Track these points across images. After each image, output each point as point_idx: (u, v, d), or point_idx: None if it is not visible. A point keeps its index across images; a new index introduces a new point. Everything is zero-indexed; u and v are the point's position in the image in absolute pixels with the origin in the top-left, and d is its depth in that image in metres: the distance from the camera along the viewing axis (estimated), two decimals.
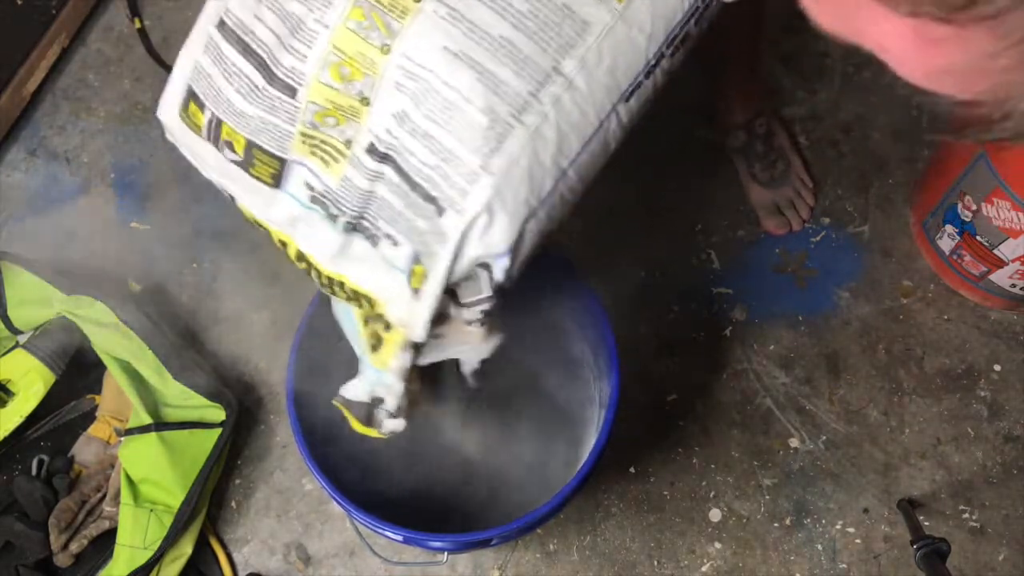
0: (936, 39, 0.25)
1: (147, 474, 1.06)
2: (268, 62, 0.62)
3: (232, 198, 0.70)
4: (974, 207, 1.08)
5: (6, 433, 1.11)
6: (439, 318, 0.66)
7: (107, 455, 1.14)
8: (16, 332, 1.17)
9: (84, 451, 1.14)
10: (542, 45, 0.60)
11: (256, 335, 1.25)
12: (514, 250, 0.62)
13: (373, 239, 0.65)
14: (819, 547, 1.10)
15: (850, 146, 1.32)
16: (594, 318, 0.95)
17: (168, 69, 1.54)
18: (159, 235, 1.32)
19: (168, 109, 0.68)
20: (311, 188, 0.65)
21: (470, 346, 0.71)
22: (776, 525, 1.11)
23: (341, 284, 0.68)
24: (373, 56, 0.60)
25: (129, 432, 1.09)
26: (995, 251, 1.09)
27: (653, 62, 0.63)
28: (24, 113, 1.40)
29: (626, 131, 0.66)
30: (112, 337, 1.12)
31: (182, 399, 1.12)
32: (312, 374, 0.94)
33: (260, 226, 0.70)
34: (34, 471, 1.13)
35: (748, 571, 1.09)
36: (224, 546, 1.13)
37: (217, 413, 1.12)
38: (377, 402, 0.76)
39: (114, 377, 1.12)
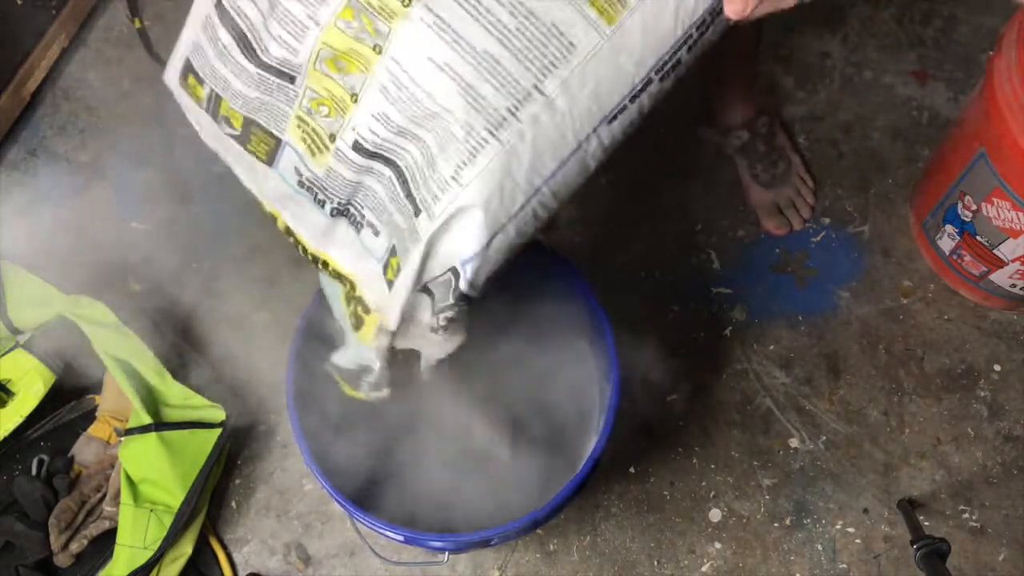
0: None
1: (147, 474, 1.06)
2: (256, 50, 0.63)
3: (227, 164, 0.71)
4: (974, 207, 1.08)
5: (6, 433, 1.11)
6: (406, 315, 0.66)
7: (107, 455, 1.14)
8: (16, 332, 1.17)
9: (84, 451, 1.14)
10: (526, 63, 0.60)
11: (256, 335, 1.25)
12: (479, 261, 0.62)
13: (357, 226, 0.66)
14: (819, 547, 1.10)
15: (850, 146, 1.32)
16: (594, 318, 0.95)
17: None
18: (159, 235, 1.32)
19: (172, 76, 0.70)
20: (299, 174, 0.66)
21: (432, 344, 0.71)
22: (776, 525, 1.11)
23: (325, 264, 0.69)
24: (367, 55, 0.61)
25: (129, 432, 1.09)
26: (995, 251, 1.09)
27: (640, 87, 0.63)
28: (24, 113, 1.40)
29: (608, 152, 0.66)
30: (112, 337, 1.12)
31: (182, 399, 1.12)
32: (312, 374, 0.94)
33: (252, 195, 0.71)
34: (34, 471, 1.13)
35: (748, 571, 1.09)
36: (224, 546, 1.13)
37: (217, 413, 1.12)
38: (364, 371, 0.76)
39: (114, 377, 1.12)
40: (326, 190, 0.66)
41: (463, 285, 0.63)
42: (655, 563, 1.10)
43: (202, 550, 1.12)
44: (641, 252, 1.26)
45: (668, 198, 1.30)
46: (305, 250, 0.70)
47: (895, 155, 1.31)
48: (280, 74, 0.63)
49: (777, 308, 1.23)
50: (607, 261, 1.25)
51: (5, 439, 1.12)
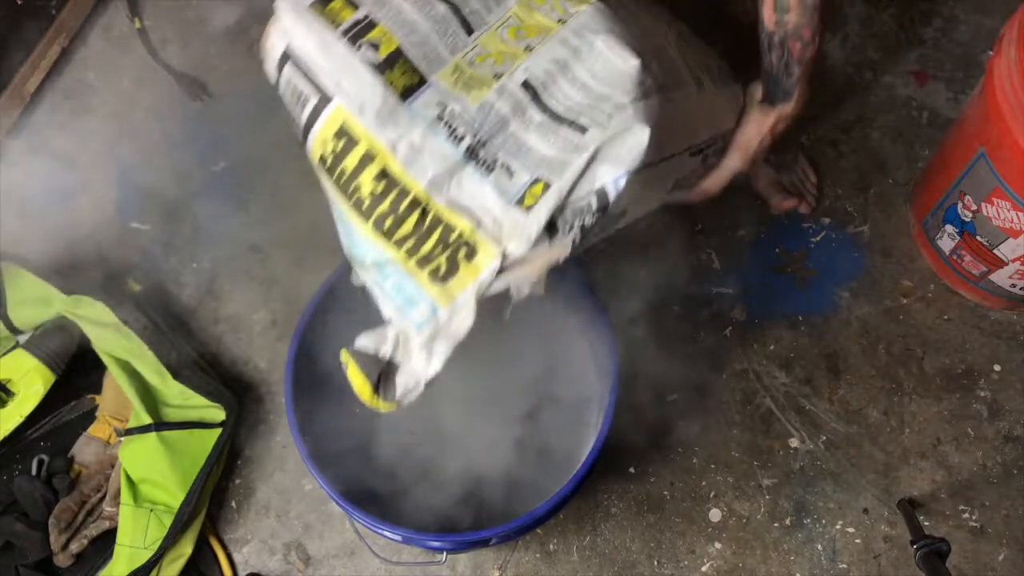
0: None
1: (147, 474, 1.06)
2: (460, 12, 0.69)
3: (328, 100, 0.68)
4: (974, 207, 1.08)
5: (6, 433, 1.11)
6: (539, 236, 0.68)
7: (107, 455, 1.14)
8: (16, 332, 1.17)
9: (84, 451, 1.14)
10: (690, 65, 0.76)
11: (256, 335, 1.25)
12: (621, 186, 0.67)
13: (488, 167, 0.67)
14: (819, 547, 1.10)
15: (850, 146, 1.32)
16: (594, 318, 0.95)
17: (168, 69, 1.54)
18: (159, 235, 1.32)
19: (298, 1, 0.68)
20: (441, 107, 0.67)
21: (527, 277, 0.71)
22: (776, 525, 1.11)
23: (423, 208, 0.68)
24: (549, 25, 0.70)
25: (129, 432, 1.09)
26: (995, 251, 1.09)
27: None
28: (24, 113, 1.40)
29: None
30: (112, 337, 1.12)
31: (182, 399, 1.12)
32: (312, 374, 0.95)
33: (347, 134, 0.68)
34: (34, 471, 1.13)
35: (748, 571, 1.09)
36: (224, 546, 1.13)
37: (217, 413, 1.12)
38: (391, 367, 0.73)
39: (114, 377, 1.12)
40: (471, 124, 0.67)
41: (611, 194, 0.67)
42: (655, 563, 1.10)
43: (202, 550, 1.12)
44: (641, 252, 1.26)
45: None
46: (405, 194, 0.68)
47: (895, 155, 1.31)
48: (463, 23, 0.68)
49: (777, 308, 1.23)
50: (607, 261, 1.25)
51: (5, 439, 1.12)
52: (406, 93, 0.67)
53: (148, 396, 1.12)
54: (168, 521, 1.05)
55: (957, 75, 1.36)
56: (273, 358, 1.23)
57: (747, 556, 1.10)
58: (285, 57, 0.68)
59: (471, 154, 0.67)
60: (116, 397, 1.15)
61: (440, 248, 0.68)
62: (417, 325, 0.71)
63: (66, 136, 1.39)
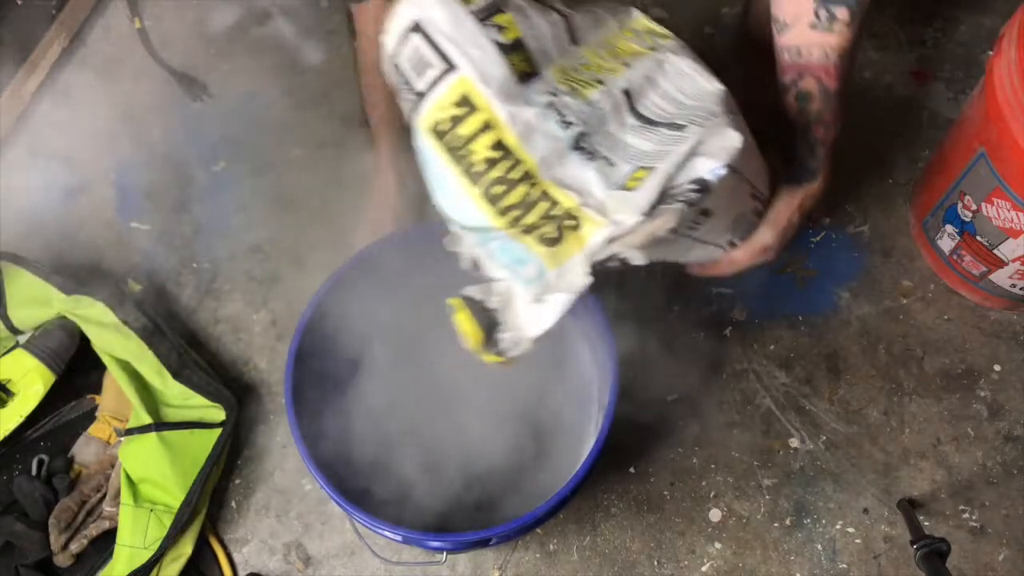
0: None
1: (147, 474, 1.06)
2: (569, 23, 0.75)
3: (453, 69, 0.70)
4: (974, 207, 1.08)
5: (6, 433, 1.11)
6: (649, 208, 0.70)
7: (107, 455, 1.14)
8: (16, 332, 1.17)
9: (84, 451, 1.14)
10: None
11: (256, 335, 1.25)
12: (721, 174, 0.71)
13: (591, 156, 0.70)
14: (819, 547, 1.10)
15: (850, 146, 1.32)
16: (594, 318, 0.95)
17: (168, 69, 1.54)
18: (159, 235, 1.32)
19: None
20: (552, 96, 0.71)
21: (632, 244, 0.73)
22: (776, 525, 1.11)
23: (533, 181, 0.70)
24: (640, 51, 0.78)
25: (129, 432, 1.09)
26: (995, 251, 1.09)
27: None
28: (24, 113, 1.40)
29: None
30: (112, 337, 1.12)
31: (182, 399, 1.12)
32: (312, 374, 0.95)
33: (468, 103, 0.70)
34: (34, 471, 1.13)
35: (748, 571, 1.09)
36: (224, 546, 1.13)
37: (217, 413, 1.12)
38: (497, 319, 0.76)
39: (114, 377, 1.12)
40: (579, 115, 0.71)
41: (712, 180, 0.70)
42: (655, 563, 1.10)
43: (202, 550, 1.12)
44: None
45: None
46: (516, 165, 0.70)
47: (895, 155, 1.31)
48: (571, 33, 0.74)
49: (777, 308, 1.23)
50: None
51: (5, 439, 1.12)
52: (523, 78, 0.70)
53: (148, 396, 1.12)
54: (168, 521, 1.05)
55: (957, 75, 1.36)
56: (273, 358, 1.23)
57: (747, 556, 1.10)
58: (414, 27, 0.70)
59: (577, 141, 0.70)
60: (116, 397, 1.15)
61: (546, 220, 0.71)
62: (526, 281, 0.74)
63: (66, 136, 1.39)
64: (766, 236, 0.88)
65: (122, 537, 1.05)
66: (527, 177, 0.70)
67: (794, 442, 1.15)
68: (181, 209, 1.33)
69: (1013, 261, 1.08)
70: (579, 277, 0.72)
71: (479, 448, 1.06)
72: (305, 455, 0.88)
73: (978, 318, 1.21)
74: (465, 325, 0.76)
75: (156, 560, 1.04)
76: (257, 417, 1.20)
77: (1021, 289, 1.13)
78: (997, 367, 1.18)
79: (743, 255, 0.89)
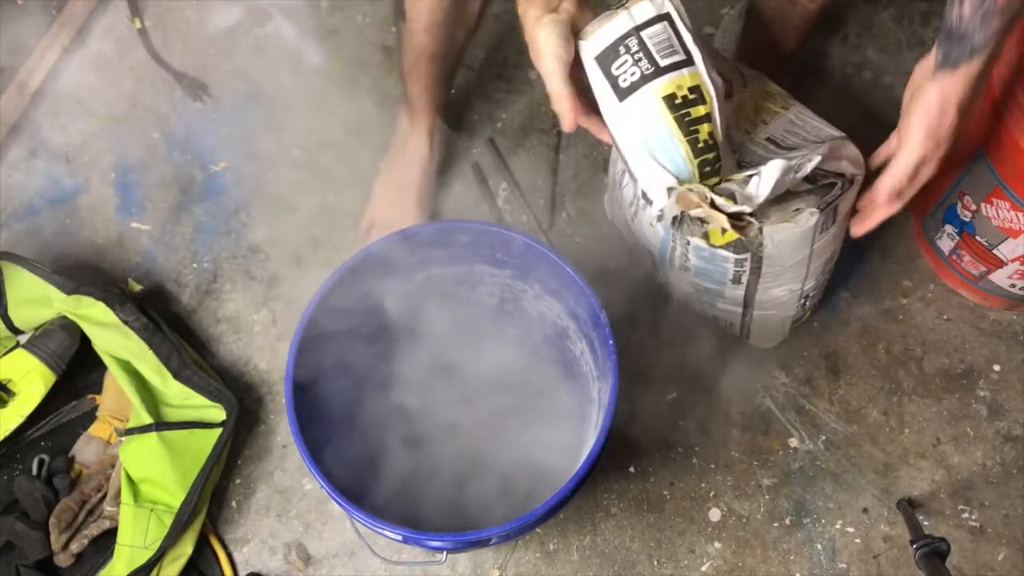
0: None
1: (147, 474, 1.06)
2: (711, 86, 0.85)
3: (690, 63, 0.83)
4: (974, 207, 1.08)
5: (6, 433, 1.11)
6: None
7: (107, 455, 1.14)
8: (16, 332, 1.17)
9: (84, 451, 1.15)
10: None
11: (256, 335, 1.25)
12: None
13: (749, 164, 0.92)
14: (819, 547, 1.10)
15: None
16: (594, 318, 0.95)
17: (168, 69, 1.54)
18: (159, 235, 1.32)
19: None
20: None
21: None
22: (776, 525, 1.11)
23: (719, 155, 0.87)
24: (777, 110, 0.98)
25: (129, 432, 1.09)
26: (995, 251, 1.09)
27: None
28: (24, 113, 1.40)
29: None
30: (112, 337, 1.12)
31: (182, 399, 1.12)
32: (312, 374, 0.94)
33: (699, 93, 0.83)
34: (34, 471, 1.13)
35: (748, 571, 1.09)
36: (224, 546, 1.13)
37: (217, 413, 1.12)
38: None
39: (114, 377, 1.12)
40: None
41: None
42: (655, 563, 1.10)
43: (202, 550, 1.12)
44: None
45: None
46: (714, 156, 0.85)
47: None
48: (728, 89, 0.95)
49: None
50: (607, 261, 1.25)
51: (5, 439, 1.12)
52: (727, 96, 0.92)
53: (148, 396, 1.12)
54: (168, 521, 1.05)
55: None
56: (273, 358, 1.23)
57: (747, 556, 1.10)
58: (663, 16, 0.81)
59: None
60: (116, 397, 1.15)
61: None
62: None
63: (66, 136, 1.40)
64: (914, 149, 0.71)
65: (122, 537, 1.05)
66: (718, 160, 0.86)
67: (794, 442, 1.15)
68: (181, 209, 1.33)
69: (1012, 261, 1.09)
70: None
71: (480, 447, 1.06)
72: (305, 455, 0.88)
73: (978, 318, 1.21)
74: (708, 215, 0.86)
75: (156, 560, 1.04)
76: (257, 417, 1.20)
77: (1021, 289, 1.13)
78: (997, 367, 1.18)
79: (893, 179, 0.71)
